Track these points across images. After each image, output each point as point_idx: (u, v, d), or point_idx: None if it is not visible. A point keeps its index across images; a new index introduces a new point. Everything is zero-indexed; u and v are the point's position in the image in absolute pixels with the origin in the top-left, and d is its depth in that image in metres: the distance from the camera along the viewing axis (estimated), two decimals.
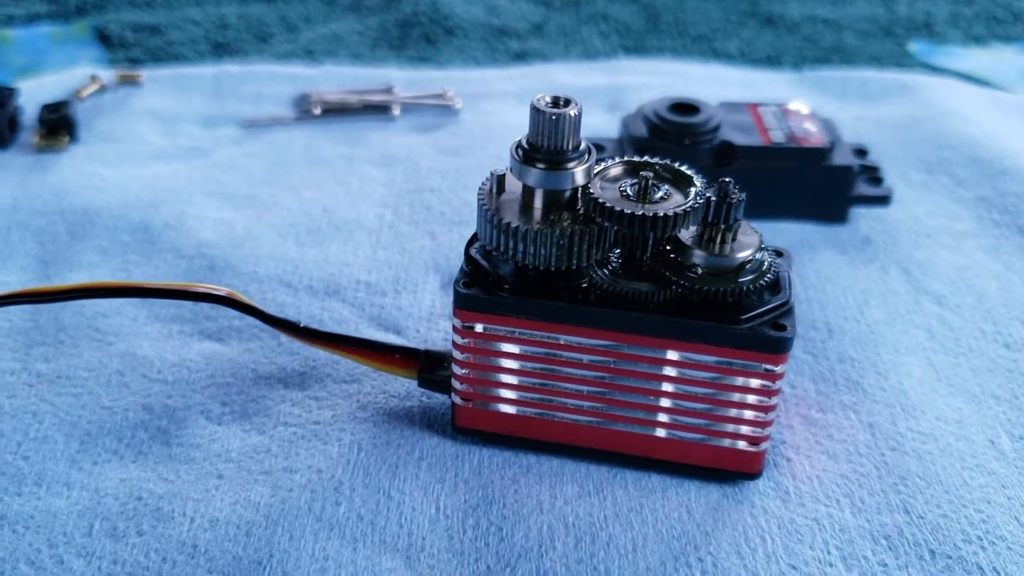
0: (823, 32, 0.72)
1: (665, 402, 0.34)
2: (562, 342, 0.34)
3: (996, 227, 0.51)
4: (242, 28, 0.70)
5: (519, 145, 0.32)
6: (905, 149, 0.57)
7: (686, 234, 0.33)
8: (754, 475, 0.36)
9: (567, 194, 0.33)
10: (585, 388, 0.35)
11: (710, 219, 0.33)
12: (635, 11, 0.74)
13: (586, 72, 0.65)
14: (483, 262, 0.34)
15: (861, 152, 0.54)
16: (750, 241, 0.33)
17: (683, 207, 0.32)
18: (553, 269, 0.32)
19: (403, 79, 0.63)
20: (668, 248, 0.33)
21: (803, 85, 0.65)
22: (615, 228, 0.32)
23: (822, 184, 0.50)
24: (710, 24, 0.73)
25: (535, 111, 0.31)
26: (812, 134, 0.50)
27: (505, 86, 0.63)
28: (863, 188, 0.51)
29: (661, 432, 0.35)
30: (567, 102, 0.31)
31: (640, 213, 0.31)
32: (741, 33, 0.72)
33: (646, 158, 0.34)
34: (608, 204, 0.31)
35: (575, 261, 0.32)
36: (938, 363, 0.42)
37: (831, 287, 0.46)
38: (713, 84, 0.63)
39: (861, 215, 0.51)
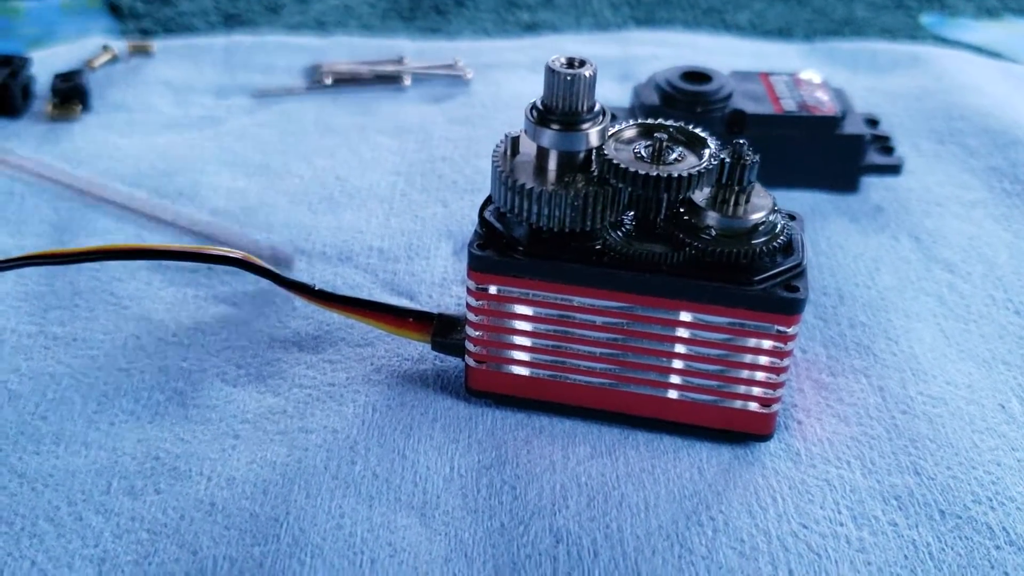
0: (834, 4, 0.72)
1: (677, 363, 0.35)
2: (575, 304, 0.34)
3: (1007, 197, 0.51)
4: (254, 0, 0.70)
5: (534, 106, 0.32)
6: (916, 120, 0.57)
7: (700, 196, 0.33)
8: (765, 437, 0.36)
9: (581, 156, 0.33)
10: (598, 350, 0.35)
11: (724, 181, 0.33)
12: None
13: (597, 43, 0.64)
14: (497, 224, 0.34)
15: (872, 122, 0.54)
16: (763, 203, 0.33)
17: (697, 168, 0.32)
18: (567, 231, 0.33)
19: (414, 50, 0.63)
20: (682, 210, 0.33)
21: (814, 56, 0.65)
22: (629, 190, 0.32)
23: (833, 153, 0.50)
24: None
25: (550, 72, 0.31)
26: (824, 103, 0.50)
27: (515, 56, 0.63)
28: (874, 157, 0.51)
29: (673, 394, 0.35)
30: (582, 63, 0.32)
31: (654, 174, 0.31)
32: (752, 5, 0.71)
33: (660, 120, 0.34)
34: (622, 165, 0.31)
35: (589, 223, 0.32)
36: (948, 329, 0.42)
37: (842, 254, 0.46)
38: (724, 55, 0.63)
39: (872, 184, 0.51)
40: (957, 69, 0.62)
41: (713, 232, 0.33)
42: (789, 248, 0.34)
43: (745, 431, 0.36)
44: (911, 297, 0.44)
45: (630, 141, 0.34)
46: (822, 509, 0.34)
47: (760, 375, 0.34)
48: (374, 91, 0.59)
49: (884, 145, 0.52)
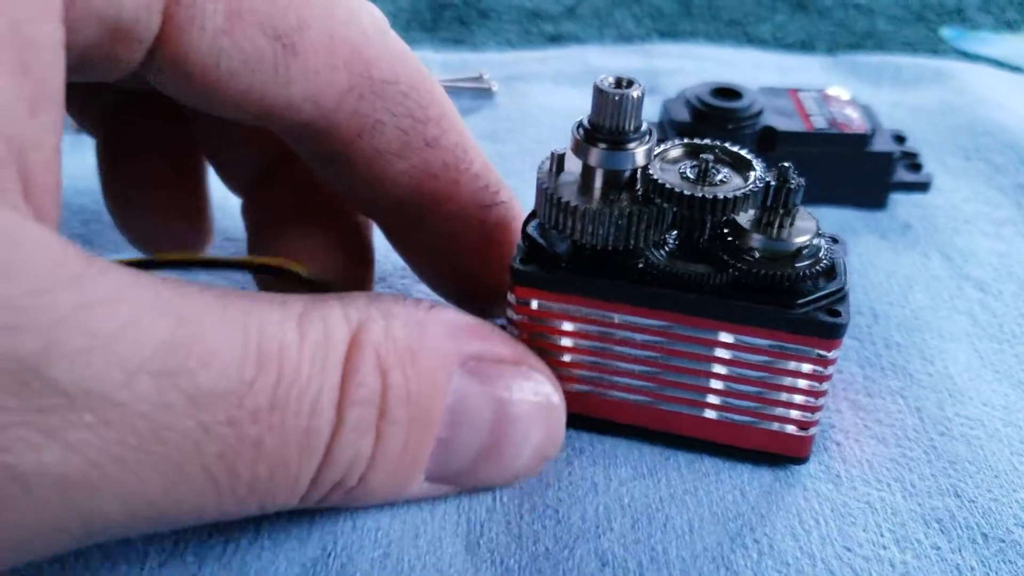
0: (855, 17, 0.72)
1: (717, 384, 0.35)
2: (616, 321, 0.34)
3: None
4: None
5: (580, 124, 0.33)
6: (941, 135, 0.57)
7: (744, 218, 0.34)
8: (801, 460, 0.36)
9: (627, 175, 0.33)
10: (637, 367, 0.35)
11: (769, 204, 0.33)
12: None
13: (621, 55, 0.65)
14: (540, 240, 0.34)
15: (900, 138, 0.54)
16: (807, 227, 0.34)
17: (743, 190, 0.32)
18: (610, 248, 0.33)
19: (438, 61, 0.63)
20: (726, 231, 0.34)
21: (837, 70, 0.65)
22: (674, 209, 0.32)
23: (863, 170, 0.50)
24: (742, 8, 0.73)
25: (598, 91, 0.31)
26: (853, 120, 0.50)
27: (540, 68, 0.63)
28: (903, 174, 0.51)
29: (711, 414, 0.35)
30: (630, 83, 0.32)
31: (700, 195, 0.31)
32: (773, 18, 0.72)
33: (706, 141, 0.34)
34: (668, 185, 0.32)
35: (632, 241, 0.33)
36: (983, 349, 0.42)
37: (874, 272, 0.46)
38: (748, 69, 0.63)
39: (900, 201, 0.52)
40: (980, 84, 0.62)
41: (756, 254, 0.33)
42: (832, 272, 0.34)
43: (782, 453, 0.36)
44: (944, 316, 0.44)
45: (675, 161, 0.34)
46: (865, 532, 0.34)
47: (798, 398, 0.34)
48: None
49: (912, 162, 0.52)
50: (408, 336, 0.28)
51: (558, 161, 0.34)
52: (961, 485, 0.36)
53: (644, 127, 0.33)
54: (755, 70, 0.63)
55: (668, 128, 0.50)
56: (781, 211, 0.33)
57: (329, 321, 0.26)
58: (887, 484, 0.36)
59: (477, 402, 0.29)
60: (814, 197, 0.51)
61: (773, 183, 0.33)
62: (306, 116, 0.30)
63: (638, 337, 0.34)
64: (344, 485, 0.28)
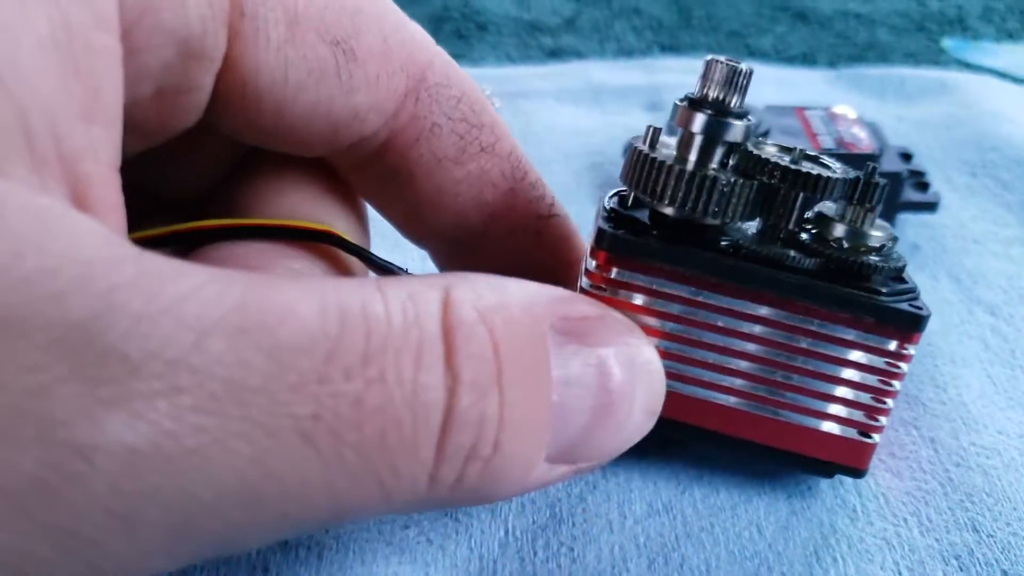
0: (856, 28, 0.72)
1: (788, 377, 0.33)
2: (700, 299, 0.33)
3: None
4: None
5: (684, 97, 0.32)
6: (947, 151, 0.57)
7: (829, 209, 0.33)
8: (860, 472, 0.35)
9: (723, 151, 0.32)
10: (712, 356, 0.33)
11: (856, 198, 0.33)
12: (666, 5, 0.73)
13: (623, 70, 0.64)
14: (622, 211, 0.33)
15: (906, 156, 0.54)
16: (884, 227, 0.33)
17: (839, 175, 0.31)
18: (698, 223, 0.32)
19: None
20: (811, 223, 0.33)
21: (841, 83, 0.64)
22: (773, 184, 0.31)
23: None
24: (742, 20, 0.72)
25: (710, 64, 0.31)
26: (861, 139, 0.50)
27: (542, 84, 0.62)
28: (910, 194, 0.51)
29: (775, 412, 0.34)
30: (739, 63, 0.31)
31: (801, 169, 0.31)
32: (774, 29, 0.71)
33: (794, 146, 0.34)
34: (769, 158, 0.31)
35: (730, 215, 0.31)
36: (996, 375, 0.42)
37: None
38: (752, 83, 0.63)
39: (907, 221, 0.51)
40: (985, 96, 0.62)
41: (844, 243, 0.33)
42: (902, 278, 0.33)
43: (841, 463, 0.35)
44: (955, 341, 0.43)
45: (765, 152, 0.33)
46: (882, 570, 0.33)
47: (866, 397, 0.33)
48: None
49: (920, 181, 0.52)
50: (498, 296, 0.25)
51: (653, 134, 0.33)
52: (979, 519, 0.35)
53: (746, 111, 0.32)
54: (759, 84, 0.62)
55: None
56: (866, 206, 0.33)
57: (413, 285, 0.23)
58: (903, 519, 0.35)
59: (578, 360, 0.27)
60: None
61: (861, 178, 0.32)
62: (371, 126, 0.30)
63: (721, 321, 0.33)
64: (479, 454, 0.24)
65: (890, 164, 0.50)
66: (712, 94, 0.31)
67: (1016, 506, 0.36)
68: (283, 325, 0.20)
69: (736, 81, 0.31)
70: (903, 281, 0.33)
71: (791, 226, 0.33)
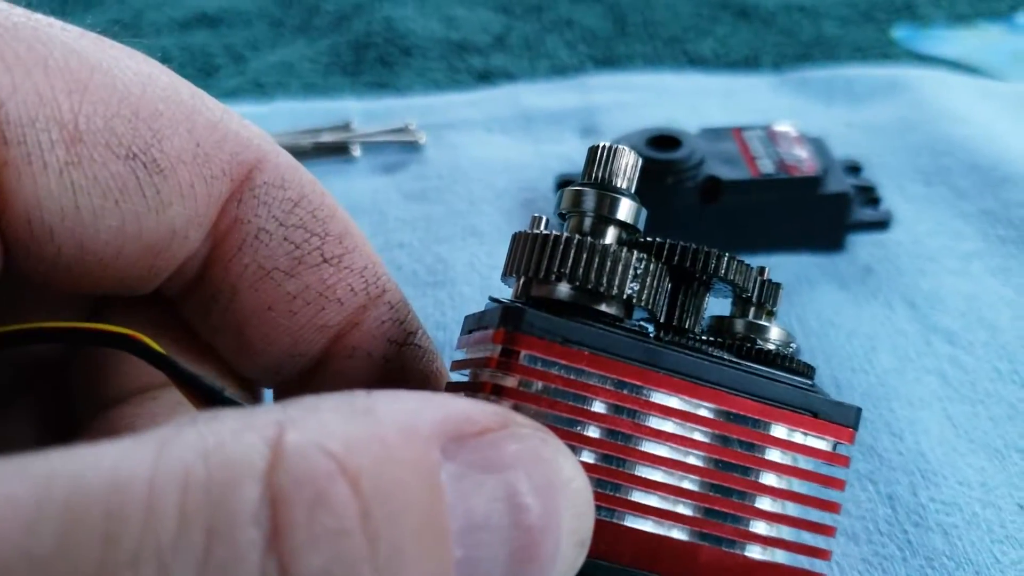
0: (801, 23, 0.69)
1: (697, 490, 0.26)
2: (625, 393, 0.26)
3: (1003, 245, 0.48)
4: (185, 61, 0.66)
5: (569, 183, 0.29)
6: (900, 157, 0.54)
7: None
8: None
9: (616, 231, 0.28)
10: (648, 470, 0.26)
11: (755, 299, 0.29)
12: (601, 13, 0.70)
13: (555, 92, 0.61)
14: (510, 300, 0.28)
15: (854, 168, 0.51)
16: (782, 331, 0.30)
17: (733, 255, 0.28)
18: (601, 307, 0.27)
19: (361, 110, 0.59)
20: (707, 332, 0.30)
21: (785, 88, 0.61)
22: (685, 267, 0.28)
23: (816, 214, 0.47)
24: (681, 22, 0.69)
25: (592, 149, 0.28)
26: (803, 160, 0.47)
27: (470, 113, 0.59)
28: (860, 212, 0.48)
29: (731, 544, 0.26)
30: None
31: (703, 249, 0.27)
32: (715, 30, 0.68)
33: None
34: (668, 241, 0.27)
35: (647, 296, 0.27)
36: (955, 414, 0.39)
37: (834, 332, 0.43)
38: (690, 96, 0.60)
39: (859, 240, 0.48)
40: (937, 94, 0.59)
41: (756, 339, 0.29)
42: (808, 374, 0.30)
43: None
44: (913, 379, 0.41)
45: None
46: None
47: (813, 514, 0.26)
48: (321, 164, 0.55)
49: (870, 196, 0.49)
50: (363, 422, 0.19)
51: (534, 222, 0.29)
52: None
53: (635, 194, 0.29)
54: (699, 97, 0.59)
55: None
56: (766, 307, 0.30)
57: (226, 423, 0.17)
58: None
59: (483, 496, 0.21)
60: (767, 244, 0.47)
61: (761, 279, 0.29)
62: (193, 243, 0.26)
63: (658, 423, 0.26)
64: None
65: (836, 184, 0.47)
66: (598, 176, 0.28)
67: (979, 569, 0.33)
68: None
69: (620, 164, 0.28)
70: (810, 378, 0.29)
71: (694, 325, 0.29)
